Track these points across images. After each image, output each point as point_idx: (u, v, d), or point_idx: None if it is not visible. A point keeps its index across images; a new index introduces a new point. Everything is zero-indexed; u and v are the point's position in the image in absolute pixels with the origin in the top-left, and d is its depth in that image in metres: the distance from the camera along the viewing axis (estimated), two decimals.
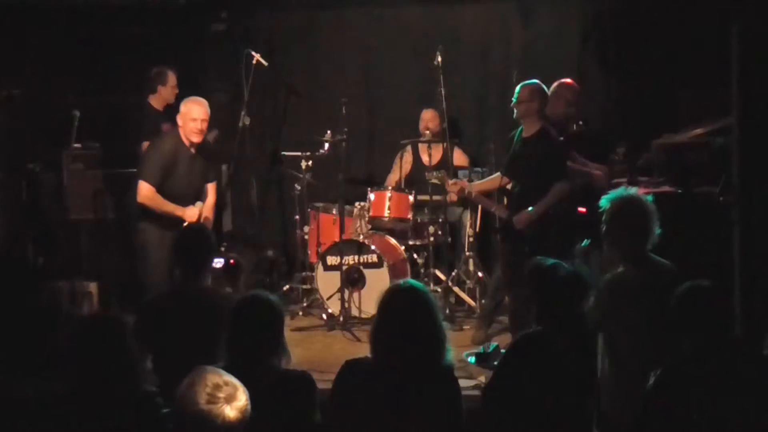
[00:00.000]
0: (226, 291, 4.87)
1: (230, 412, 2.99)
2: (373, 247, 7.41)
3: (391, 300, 3.73)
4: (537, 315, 4.07)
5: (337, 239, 7.46)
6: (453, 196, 7.06)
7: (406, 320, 3.63)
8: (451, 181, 6.69)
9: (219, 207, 7.16)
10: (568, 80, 6.81)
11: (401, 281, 3.88)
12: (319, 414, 3.82)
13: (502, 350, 6.11)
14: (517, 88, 6.19)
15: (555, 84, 6.70)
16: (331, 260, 7.46)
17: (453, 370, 3.76)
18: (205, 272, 4.72)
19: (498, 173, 6.57)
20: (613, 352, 4.40)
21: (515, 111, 6.16)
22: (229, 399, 3.01)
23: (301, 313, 7.60)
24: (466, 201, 7.52)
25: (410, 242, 7.77)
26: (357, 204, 7.77)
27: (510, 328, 6.32)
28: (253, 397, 3.70)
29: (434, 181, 7.15)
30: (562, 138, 6.30)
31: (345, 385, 3.72)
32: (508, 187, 6.42)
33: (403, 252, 7.65)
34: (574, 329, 4.01)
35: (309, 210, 7.95)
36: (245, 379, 3.69)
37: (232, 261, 4.95)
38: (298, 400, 3.76)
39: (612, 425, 4.26)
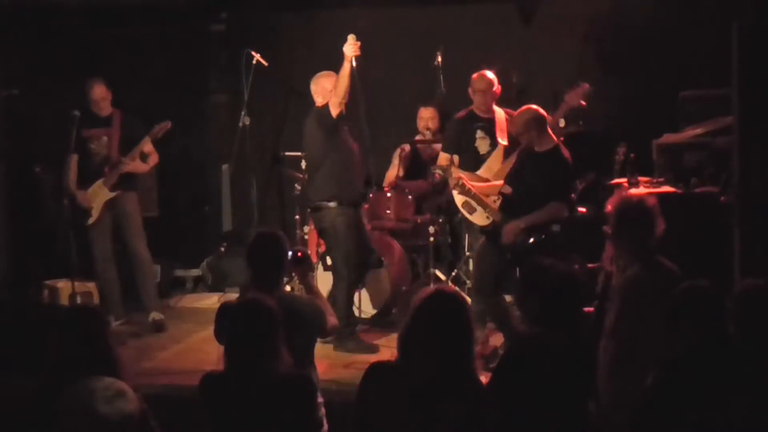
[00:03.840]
0: (301, 295, 4.85)
1: (106, 409, 3.13)
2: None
3: (426, 305, 3.70)
4: (535, 316, 4.06)
5: None
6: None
7: (440, 327, 3.59)
8: (455, 173, 6.58)
9: None
10: (483, 72, 6.79)
11: (435, 287, 3.83)
12: (320, 415, 3.82)
13: (500, 351, 6.13)
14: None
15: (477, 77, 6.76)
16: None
17: (478, 376, 3.73)
18: (280, 279, 4.70)
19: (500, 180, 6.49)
20: (621, 351, 4.39)
21: (519, 140, 6.19)
22: (111, 400, 3.14)
23: None
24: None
25: (410, 242, 7.76)
26: None
27: (498, 328, 6.31)
28: (254, 400, 3.71)
29: (438, 171, 7.03)
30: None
31: (370, 389, 3.70)
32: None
33: (404, 252, 7.64)
34: (572, 330, 4.01)
35: (309, 210, 7.93)
36: (246, 383, 3.70)
37: (299, 253, 4.88)
38: (298, 402, 3.76)
39: (611, 426, 4.25)
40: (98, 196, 7.21)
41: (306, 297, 4.82)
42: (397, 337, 3.71)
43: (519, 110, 6.19)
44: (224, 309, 4.71)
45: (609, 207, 4.75)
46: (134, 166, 7.24)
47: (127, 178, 7.25)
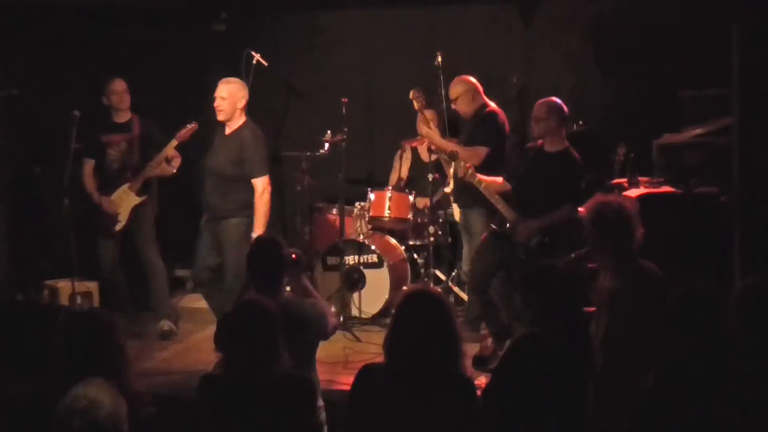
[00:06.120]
0: (303, 298, 4.85)
1: (76, 423, 3.15)
2: (373, 247, 7.41)
3: (405, 306, 3.70)
4: (534, 316, 4.06)
5: (337, 239, 7.46)
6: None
7: (420, 326, 3.59)
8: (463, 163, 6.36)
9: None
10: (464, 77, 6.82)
11: (416, 287, 3.83)
12: (320, 419, 3.82)
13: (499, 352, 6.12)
14: (535, 106, 6.11)
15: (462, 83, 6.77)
16: (331, 260, 7.47)
17: (467, 375, 3.73)
18: (280, 283, 4.70)
19: (501, 177, 6.46)
20: (613, 356, 4.39)
21: (534, 129, 6.08)
22: (81, 412, 3.17)
23: None
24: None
25: (410, 242, 7.77)
26: (357, 204, 7.77)
27: (487, 324, 6.27)
28: (253, 401, 3.70)
29: (444, 156, 6.76)
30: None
31: (362, 391, 3.70)
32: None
33: (404, 252, 7.65)
34: (571, 330, 4.01)
35: (309, 210, 7.95)
36: (246, 386, 3.70)
37: (294, 255, 4.89)
38: (298, 405, 3.76)
39: (610, 426, 4.25)
40: (124, 201, 7.09)
41: (308, 300, 4.82)
42: (384, 339, 3.71)
43: (543, 99, 6.12)
44: (226, 318, 4.72)
45: (583, 213, 4.69)
46: (161, 169, 7.11)
47: (149, 183, 7.17)
